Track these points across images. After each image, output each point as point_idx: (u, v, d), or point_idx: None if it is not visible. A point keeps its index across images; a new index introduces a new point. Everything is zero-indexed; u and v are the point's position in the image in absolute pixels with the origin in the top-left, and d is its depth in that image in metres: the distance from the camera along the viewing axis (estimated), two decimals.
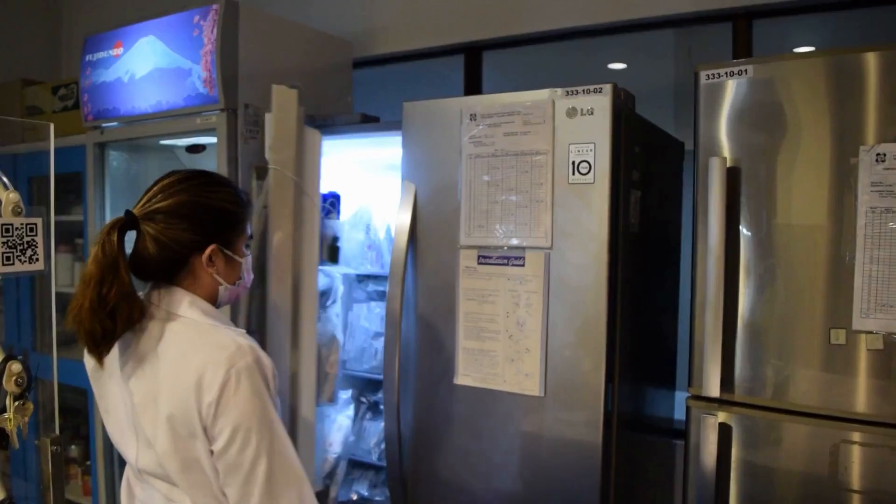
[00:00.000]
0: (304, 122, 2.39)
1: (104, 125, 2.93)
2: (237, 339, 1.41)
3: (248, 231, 1.61)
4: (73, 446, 3.60)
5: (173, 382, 1.39)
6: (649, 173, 2.08)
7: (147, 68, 2.68)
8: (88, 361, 1.54)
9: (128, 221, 1.44)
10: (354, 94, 3.18)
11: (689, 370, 1.78)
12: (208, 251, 1.49)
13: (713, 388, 1.68)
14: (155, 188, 1.50)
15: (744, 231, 1.71)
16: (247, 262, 1.60)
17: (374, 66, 3.45)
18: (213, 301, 1.54)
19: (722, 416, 1.71)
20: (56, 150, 3.20)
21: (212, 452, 1.37)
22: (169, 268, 1.48)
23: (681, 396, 2.58)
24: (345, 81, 3.13)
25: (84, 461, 3.52)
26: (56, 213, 3.45)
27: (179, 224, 1.46)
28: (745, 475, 1.72)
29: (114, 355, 1.48)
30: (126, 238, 1.44)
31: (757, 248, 1.70)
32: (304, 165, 2.31)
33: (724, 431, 1.71)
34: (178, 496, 1.45)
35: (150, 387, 1.42)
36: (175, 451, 1.39)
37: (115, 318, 1.37)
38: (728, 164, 1.69)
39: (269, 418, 1.38)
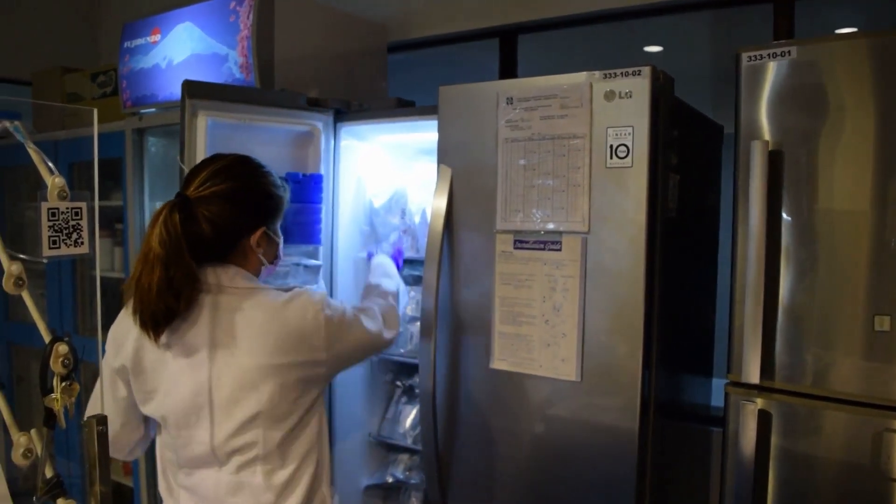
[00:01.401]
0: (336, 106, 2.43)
1: (142, 111, 2.96)
2: (299, 290, 1.62)
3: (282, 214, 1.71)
4: None
5: (279, 342, 1.51)
6: (688, 157, 2.05)
7: (184, 54, 2.70)
8: (128, 347, 1.56)
9: (182, 204, 1.49)
10: (388, 78, 3.18)
11: (728, 356, 1.76)
12: (258, 233, 1.59)
13: (753, 375, 1.66)
14: (205, 173, 1.56)
15: (785, 216, 1.68)
16: (281, 241, 1.71)
17: (409, 50, 3.45)
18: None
19: (761, 403, 1.69)
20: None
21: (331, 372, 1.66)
22: (223, 248, 1.57)
23: (718, 383, 2.57)
24: (380, 66, 3.13)
25: None
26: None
27: (234, 208, 1.54)
28: (785, 463, 1.70)
29: (176, 337, 1.52)
30: None
31: (798, 233, 1.68)
32: None
33: (764, 418, 1.69)
34: (250, 468, 1.53)
35: (252, 355, 1.50)
36: (281, 399, 1.52)
37: (180, 299, 1.45)
38: (770, 148, 1.66)
39: (349, 308, 1.72)
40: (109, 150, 3.13)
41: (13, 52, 4.07)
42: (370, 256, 2.43)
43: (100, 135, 3.06)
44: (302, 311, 1.55)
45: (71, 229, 1.08)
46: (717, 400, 2.52)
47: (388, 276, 2.16)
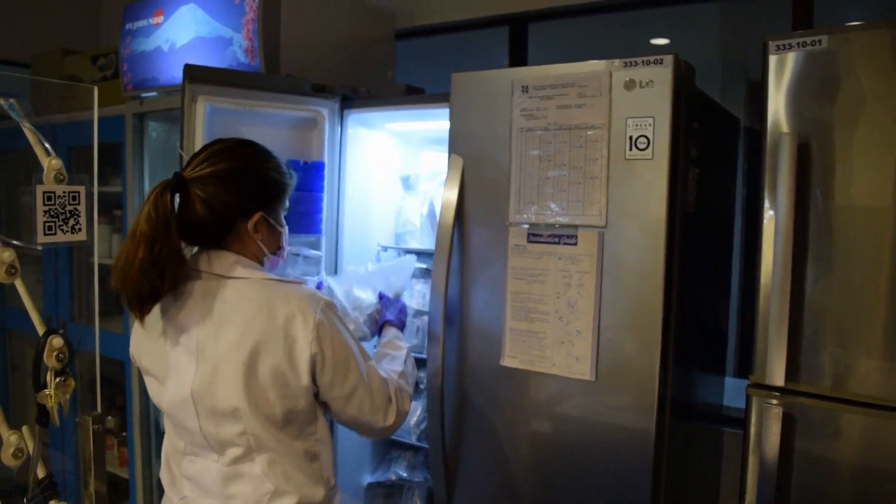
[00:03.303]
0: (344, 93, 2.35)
1: (143, 95, 2.89)
2: (303, 288, 1.52)
3: (287, 203, 1.65)
4: (108, 417, 3.61)
5: (261, 338, 1.43)
6: (707, 150, 1.99)
7: (187, 37, 2.63)
8: (137, 333, 1.55)
9: (177, 183, 1.45)
10: (395, 66, 3.11)
11: (749, 356, 1.70)
12: (255, 218, 1.52)
13: (777, 377, 1.60)
14: (203, 154, 1.51)
15: (812, 212, 1.61)
16: (285, 232, 1.64)
17: (417, 37, 3.37)
18: None
19: (785, 406, 1.63)
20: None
21: (315, 390, 1.51)
22: (216, 231, 1.51)
23: (730, 382, 2.51)
24: (388, 53, 3.06)
25: (120, 432, 3.52)
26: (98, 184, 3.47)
27: (229, 188, 1.48)
28: (809, 468, 1.63)
29: (174, 325, 1.49)
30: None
31: (825, 230, 1.61)
32: None
33: (788, 422, 1.63)
34: (246, 457, 1.48)
35: (235, 349, 1.44)
36: (276, 403, 1.45)
37: (164, 278, 1.39)
38: (798, 141, 1.59)
39: (354, 342, 1.56)
40: (109, 134, 3.06)
41: (12, 33, 3.98)
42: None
43: (99, 119, 2.99)
44: (292, 308, 1.46)
45: (68, 215, 1.01)
46: (729, 399, 2.46)
47: (398, 351, 1.88)
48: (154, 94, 2.86)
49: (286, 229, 1.64)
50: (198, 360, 1.46)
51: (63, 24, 4.17)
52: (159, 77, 2.76)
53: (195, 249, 1.55)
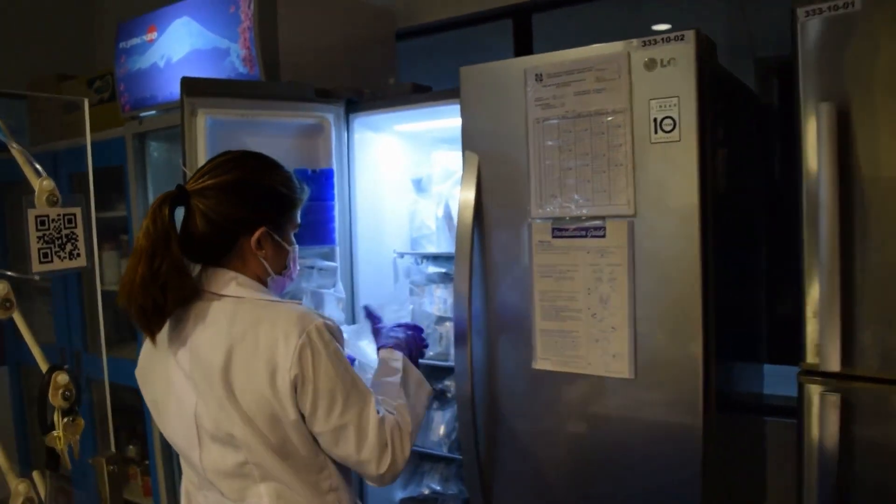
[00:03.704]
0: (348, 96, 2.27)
1: (142, 115, 2.81)
2: (297, 308, 1.38)
3: (298, 219, 1.54)
4: (130, 446, 3.54)
5: (246, 365, 1.33)
6: (732, 129, 1.90)
7: (183, 51, 2.55)
8: (143, 356, 1.49)
9: (178, 196, 1.38)
10: (398, 68, 3.02)
11: (798, 342, 1.59)
12: (258, 234, 1.43)
13: (832, 362, 1.49)
14: (207, 166, 1.44)
15: (856, 185, 1.51)
16: (294, 251, 1.53)
17: (417, 37, 3.28)
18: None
19: (843, 392, 1.52)
20: (94, 143, 3.08)
21: (303, 419, 1.35)
22: (217, 247, 1.42)
23: (770, 369, 2.41)
24: (389, 54, 2.96)
25: (143, 461, 3.45)
26: (98, 210, 3.37)
27: (231, 201, 1.40)
28: (872, 456, 1.53)
29: (175, 347, 1.41)
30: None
31: (871, 205, 1.51)
32: None
33: (846, 409, 1.52)
34: (251, 491, 1.38)
35: (218, 374, 1.33)
36: (266, 433, 1.34)
37: (167, 293, 1.32)
38: (837, 110, 1.49)
39: (349, 374, 1.38)
40: (110, 158, 2.99)
41: (7, 63, 3.91)
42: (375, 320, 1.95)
43: (99, 143, 2.92)
44: (277, 332, 1.33)
45: (64, 239, 0.93)
46: (768, 387, 2.36)
47: (392, 376, 1.62)
48: (153, 112, 2.78)
49: (295, 248, 1.54)
50: (194, 385, 1.38)
51: (58, 49, 4.10)
52: (157, 95, 2.68)
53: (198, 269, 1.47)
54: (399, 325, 1.84)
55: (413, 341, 1.77)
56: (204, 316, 1.39)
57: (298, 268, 1.59)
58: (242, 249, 1.43)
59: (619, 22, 3.37)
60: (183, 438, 1.41)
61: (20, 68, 3.80)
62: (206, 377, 1.35)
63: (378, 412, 1.41)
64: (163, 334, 1.41)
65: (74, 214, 0.96)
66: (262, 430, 1.33)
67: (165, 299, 1.33)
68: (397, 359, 1.66)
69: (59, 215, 0.92)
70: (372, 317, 1.93)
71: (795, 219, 1.59)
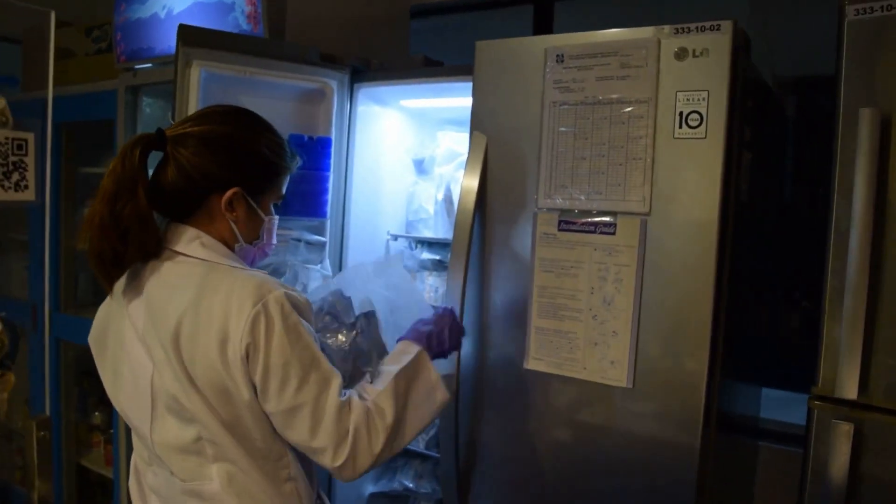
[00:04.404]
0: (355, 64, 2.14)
1: (137, 66, 2.68)
2: (257, 275, 1.24)
3: (282, 189, 1.41)
4: (96, 413, 3.41)
5: (196, 333, 1.20)
6: (758, 133, 1.78)
7: (186, 3, 2.44)
8: (100, 313, 1.38)
9: (156, 140, 1.27)
10: (410, 47, 2.89)
11: (812, 366, 1.48)
12: (230, 193, 1.30)
13: (849, 389, 1.38)
14: (195, 114, 1.33)
15: (890, 204, 1.40)
16: (271, 223, 1.39)
17: (433, 15, 3.16)
18: None
19: (857, 423, 1.41)
20: (86, 95, 2.97)
21: (256, 397, 1.21)
22: (185, 201, 1.30)
23: (768, 393, 2.30)
24: (401, 31, 2.84)
25: (108, 429, 3.32)
26: (85, 165, 3.25)
27: (210, 154, 1.28)
28: (880, 491, 1.42)
29: (131, 308, 1.29)
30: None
31: None
32: None
33: (859, 440, 1.41)
34: (203, 472, 1.26)
35: (170, 340, 1.21)
36: (218, 408, 1.22)
37: (128, 241, 1.21)
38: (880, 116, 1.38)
39: (309, 351, 1.23)
40: (100, 111, 2.85)
41: (5, 7, 3.76)
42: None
43: (90, 94, 2.78)
44: (231, 301, 1.20)
45: (11, 167, 0.80)
46: (766, 411, 2.25)
47: (393, 366, 1.40)
48: (149, 65, 2.65)
49: (274, 220, 1.42)
50: (148, 351, 1.26)
51: None
52: (155, 47, 2.56)
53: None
54: (431, 317, 1.57)
55: (441, 335, 1.52)
56: (161, 276, 1.27)
57: (275, 242, 1.46)
58: (211, 208, 1.31)
59: (645, 19, 3.28)
60: (136, 409, 1.29)
61: (17, 14, 3.65)
62: (161, 343, 1.23)
63: (342, 395, 1.26)
64: (119, 292, 1.29)
65: (26, 140, 0.83)
66: (214, 405, 1.21)
67: (125, 248, 1.22)
68: (411, 352, 1.42)
69: (7, 139, 0.79)
70: None
71: (821, 235, 1.48)
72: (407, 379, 1.36)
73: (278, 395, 1.20)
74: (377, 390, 1.31)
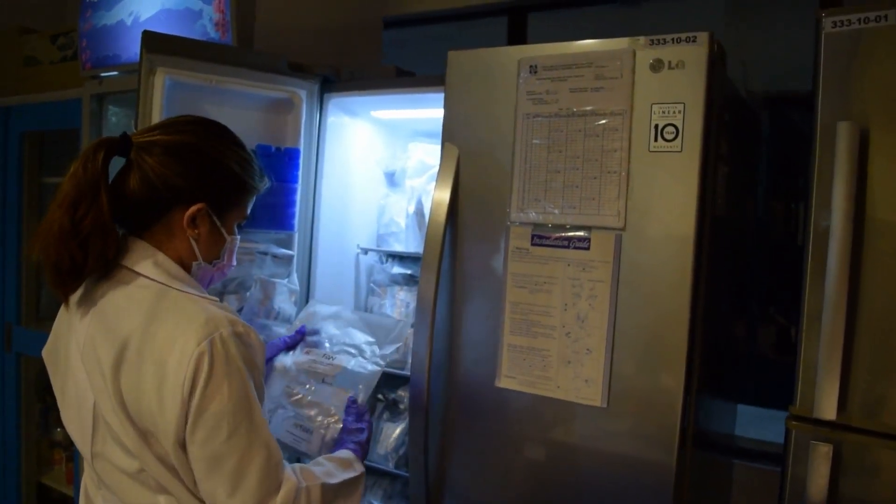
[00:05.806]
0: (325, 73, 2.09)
1: (103, 74, 2.62)
2: (208, 308, 1.16)
3: (248, 210, 1.35)
4: (58, 429, 3.31)
5: (136, 366, 1.13)
6: (734, 146, 1.76)
7: (153, 10, 2.38)
8: (56, 325, 1.32)
9: (120, 145, 1.21)
10: (383, 57, 2.85)
11: (790, 384, 1.45)
12: (194, 208, 1.24)
13: (828, 410, 1.35)
14: (163, 122, 1.28)
15: (869, 214, 1.37)
16: (233, 243, 1.33)
17: (405, 26, 3.11)
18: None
19: (836, 444, 1.38)
20: (51, 103, 2.90)
21: (183, 444, 1.14)
22: (145, 213, 1.24)
23: (743, 410, 2.26)
24: (374, 41, 2.81)
25: (69, 446, 3.23)
26: (50, 175, 3.18)
27: (175, 165, 1.21)
28: None
29: (79, 326, 1.23)
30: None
31: (884, 237, 1.37)
32: None
33: (838, 462, 1.37)
34: (151, 501, 1.19)
35: (109, 371, 1.15)
36: (153, 444, 1.15)
37: (87, 251, 1.14)
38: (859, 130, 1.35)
39: (248, 402, 1.15)
40: (65, 119, 2.79)
41: None
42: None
43: (55, 103, 2.71)
44: (176, 334, 1.14)
45: None
46: (740, 429, 2.22)
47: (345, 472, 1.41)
48: (115, 73, 2.58)
49: (236, 240, 1.35)
50: (88, 376, 1.20)
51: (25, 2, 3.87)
52: (121, 54, 2.50)
53: None
54: (361, 421, 1.68)
55: (368, 440, 1.64)
56: (109, 296, 1.21)
57: (235, 263, 1.39)
58: (172, 222, 1.25)
59: (619, 31, 3.27)
60: (79, 432, 1.23)
61: None
62: (100, 370, 1.17)
63: (274, 459, 1.18)
64: (74, 304, 1.23)
65: None
66: (149, 441, 1.15)
67: (85, 258, 1.15)
68: (356, 470, 1.44)
69: None
70: None
71: (797, 250, 1.45)
72: (346, 488, 1.36)
73: (204, 441, 1.12)
74: (317, 478, 1.28)
